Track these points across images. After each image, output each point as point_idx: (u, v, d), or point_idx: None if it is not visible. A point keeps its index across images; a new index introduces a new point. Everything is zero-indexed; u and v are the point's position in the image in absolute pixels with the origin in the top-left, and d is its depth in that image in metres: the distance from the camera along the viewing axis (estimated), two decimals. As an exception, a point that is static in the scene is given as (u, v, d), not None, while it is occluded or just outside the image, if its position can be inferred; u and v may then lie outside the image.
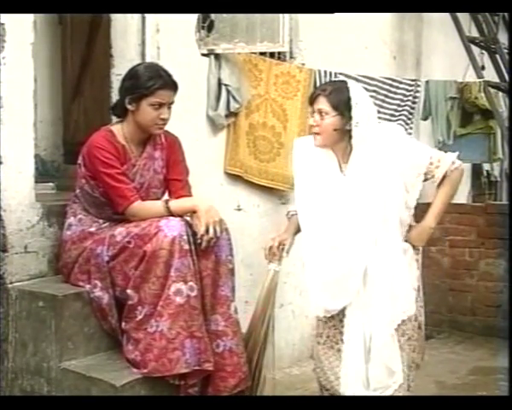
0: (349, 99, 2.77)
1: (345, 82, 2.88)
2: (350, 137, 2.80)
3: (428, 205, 2.89)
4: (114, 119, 3.20)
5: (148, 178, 3.09)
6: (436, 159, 2.84)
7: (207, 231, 2.87)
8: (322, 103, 2.80)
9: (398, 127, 3.02)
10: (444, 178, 2.84)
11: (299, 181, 2.95)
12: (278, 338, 2.90)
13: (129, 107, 2.99)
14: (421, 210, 2.92)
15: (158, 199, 3.09)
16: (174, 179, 3.15)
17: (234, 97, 4.17)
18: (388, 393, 2.81)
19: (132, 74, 3.02)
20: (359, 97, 2.80)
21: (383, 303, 2.79)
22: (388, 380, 2.81)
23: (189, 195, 3.15)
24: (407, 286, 2.83)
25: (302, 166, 2.94)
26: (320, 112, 2.80)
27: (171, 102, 3.02)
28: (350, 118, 2.77)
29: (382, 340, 2.79)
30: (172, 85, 3.01)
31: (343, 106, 2.77)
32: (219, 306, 2.95)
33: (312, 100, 2.85)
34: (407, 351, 2.87)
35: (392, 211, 2.80)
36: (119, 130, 3.05)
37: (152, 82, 2.93)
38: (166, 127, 3.09)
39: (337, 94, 2.79)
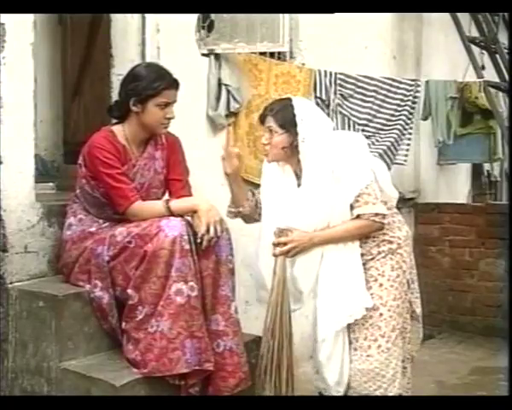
0: (294, 116, 2.86)
1: (289, 99, 2.99)
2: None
3: (428, 205, 2.91)
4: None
5: (149, 178, 3.10)
6: (365, 198, 2.84)
7: (208, 230, 2.87)
8: (270, 122, 2.91)
9: (358, 138, 3.06)
10: (357, 216, 2.86)
11: (263, 194, 3.07)
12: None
13: (133, 108, 2.99)
14: (420, 210, 2.92)
15: (158, 199, 3.09)
16: (174, 179, 3.15)
17: (234, 97, 4.18)
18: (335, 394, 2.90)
19: (135, 76, 3.02)
20: (304, 113, 2.89)
21: (330, 304, 2.87)
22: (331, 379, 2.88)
23: (190, 195, 3.15)
24: (354, 289, 2.86)
25: (265, 181, 3.06)
26: (270, 130, 2.91)
27: (175, 101, 3.04)
28: (296, 134, 2.86)
29: (321, 338, 2.87)
30: (175, 84, 3.04)
31: (288, 123, 2.87)
32: (220, 306, 2.94)
33: (262, 119, 2.97)
34: (400, 345, 2.90)
35: (338, 218, 2.87)
36: (120, 130, 3.05)
37: (158, 83, 2.95)
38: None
39: (282, 112, 2.90)
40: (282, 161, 2.97)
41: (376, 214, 2.84)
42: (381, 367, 2.85)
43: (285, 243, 2.86)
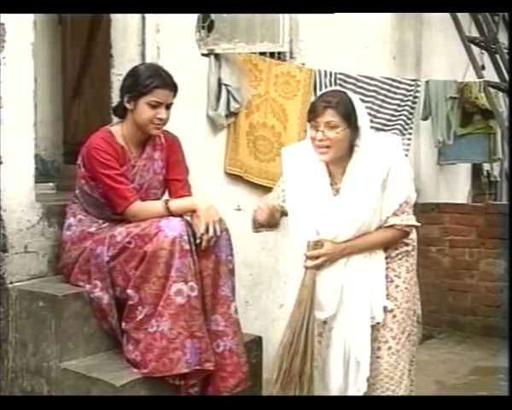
0: (354, 109, 2.70)
1: (345, 92, 2.81)
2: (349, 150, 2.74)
3: (428, 205, 2.89)
4: (115, 119, 3.21)
5: (148, 178, 3.09)
6: (403, 207, 2.76)
7: (207, 230, 2.87)
8: (330, 115, 2.67)
9: (398, 141, 2.91)
10: (390, 226, 2.77)
11: (290, 194, 2.86)
12: (278, 338, 2.88)
13: (127, 105, 2.99)
14: (420, 210, 2.91)
15: (158, 200, 3.09)
16: (174, 179, 3.15)
17: (234, 97, 4.18)
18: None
19: (132, 73, 3.03)
20: (361, 107, 2.76)
21: (359, 310, 2.79)
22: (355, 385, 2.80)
23: (189, 195, 3.15)
24: (376, 293, 2.81)
25: (292, 179, 2.86)
26: (329, 124, 2.67)
27: (170, 103, 3.01)
28: (356, 129, 2.71)
29: (358, 343, 2.78)
30: (171, 85, 3.00)
31: (352, 117, 2.69)
32: (219, 306, 2.94)
33: (318, 112, 2.69)
34: (408, 347, 2.88)
35: (375, 226, 2.78)
36: (119, 131, 3.05)
37: (150, 80, 2.93)
38: (166, 127, 3.09)
39: (345, 105, 2.69)
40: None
41: (409, 226, 2.80)
42: (389, 369, 2.81)
43: (317, 257, 2.75)
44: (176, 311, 2.78)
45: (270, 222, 2.87)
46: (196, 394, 2.85)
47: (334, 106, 2.67)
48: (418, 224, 2.84)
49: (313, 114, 2.72)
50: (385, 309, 2.82)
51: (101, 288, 2.94)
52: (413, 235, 2.92)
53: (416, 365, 3.01)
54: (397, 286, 2.86)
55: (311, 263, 2.76)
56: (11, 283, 3.06)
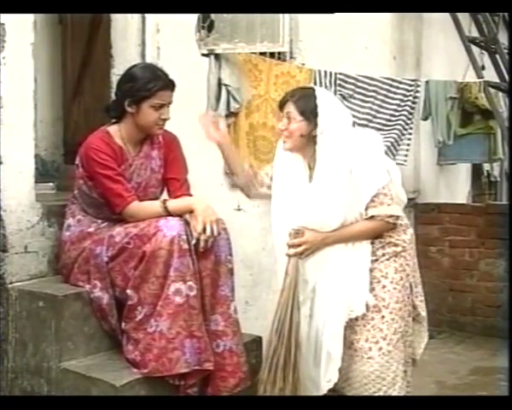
0: (316, 106, 2.83)
1: (313, 89, 2.97)
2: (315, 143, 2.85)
3: (428, 205, 2.89)
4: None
5: (146, 177, 3.09)
6: (381, 199, 2.82)
7: (204, 230, 2.87)
8: (290, 108, 2.87)
9: (376, 137, 3.02)
10: (371, 217, 2.83)
11: (274, 184, 3.02)
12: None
13: (128, 109, 2.99)
14: (420, 210, 2.91)
15: (156, 198, 3.10)
16: (172, 178, 3.15)
17: (234, 97, 4.17)
18: (321, 393, 2.85)
19: (130, 77, 3.02)
20: (326, 105, 2.85)
21: (335, 300, 2.83)
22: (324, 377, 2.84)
23: (188, 194, 3.15)
24: (357, 286, 2.84)
25: (277, 170, 3.02)
26: (288, 116, 2.88)
27: (171, 102, 3.03)
28: (316, 125, 2.83)
29: (330, 334, 2.83)
30: (171, 85, 3.02)
31: (309, 112, 2.83)
32: (219, 306, 2.94)
33: (281, 104, 2.93)
34: (401, 348, 2.89)
35: (352, 217, 2.84)
36: (116, 131, 3.05)
37: (152, 84, 2.94)
38: (166, 126, 3.09)
39: (304, 100, 2.86)
40: (298, 150, 2.92)
41: (391, 216, 2.83)
42: (381, 370, 2.82)
43: (299, 245, 2.84)
44: (175, 311, 2.78)
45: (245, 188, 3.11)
46: (195, 394, 2.85)
47: (295, 100, 2.87)
48: (400, 213, 2.88)
49: (279, 105, 2.96)
50: (367, 305, 2.84)
51: (100, 288, 2.94)
52: (404, 236, 2.93)
53: (414, 365, 3.02)
54: (384, 286, 2.87)
55: (292, 251, 2.85)
56: (11, 283, 3.06)
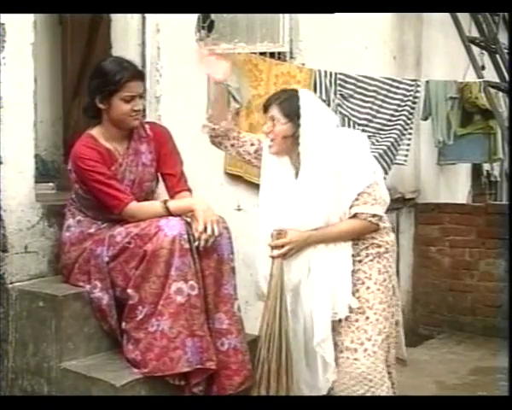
0: (298, 107, 2.84)
1: (296, 90, 2.98)
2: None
3: (428, 205, 2.89)
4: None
5: (139, 173, 3.08)
6: (365, 198, 2.82)
7: (205, 229, 2.87)
8: (274, 111, 2.88)
9: (361, 137, 3.03)
10: (354, 215, 2.83)
11: (260, 185, 3.04)
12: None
13: (100, 106, 2.96)
14: (420, 210, 2.91)
15: (152, 192, 3.10)
16: (169, 174, 3.14)
17: (234, 97, 4.17)
18: (323, 393, 2.85)
19: (98, 72, 2.98)
20: (309, 106, 2.87)
21: (320, 303, 2.83)
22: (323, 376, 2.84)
23: (186, 188, 3.14)
24: (340, 288, 2.84)
25: (264, 171, 3.03)
26: (272, 119, 2.89)
27: (143, 93, 3.00)
28: (299, 125, 2.84)
29: (320, 338, 2.82)
30: (139, 75, 2.99)
31: (293, 114, 2.85)
32: (223, 304, 2.95)
33: (265, 108, 2.94)
34: (386, 349, 2.89)
35: (337, 217, 2.84)
36: (100, 133, 3.02)
37: (119, 76, 2.90)
38: (166, 126, 3.08)
39: (288, 102, 2.88)
40: (285, 152, 2.93)
41: (374, 215, 2.83)
42: (368, 371, 2.81)
43: (282, 246, 2.83)
44: (176, 310, 2.78)
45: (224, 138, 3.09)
46: (201, 393, 2.84)
47: (279, 103, 2.89)
48: (383, 214, 2.88)
49: (263, 108, 2.97)
50: (350, 307, 2.84)
51: (100, 288, 2.94)
52: (387, 237, 2.94)
53: (403, 366, 3.01)
54: (368, 288, 2.88)
55: (276, 252, 2.85)
56: (11, 283, 3.06)
